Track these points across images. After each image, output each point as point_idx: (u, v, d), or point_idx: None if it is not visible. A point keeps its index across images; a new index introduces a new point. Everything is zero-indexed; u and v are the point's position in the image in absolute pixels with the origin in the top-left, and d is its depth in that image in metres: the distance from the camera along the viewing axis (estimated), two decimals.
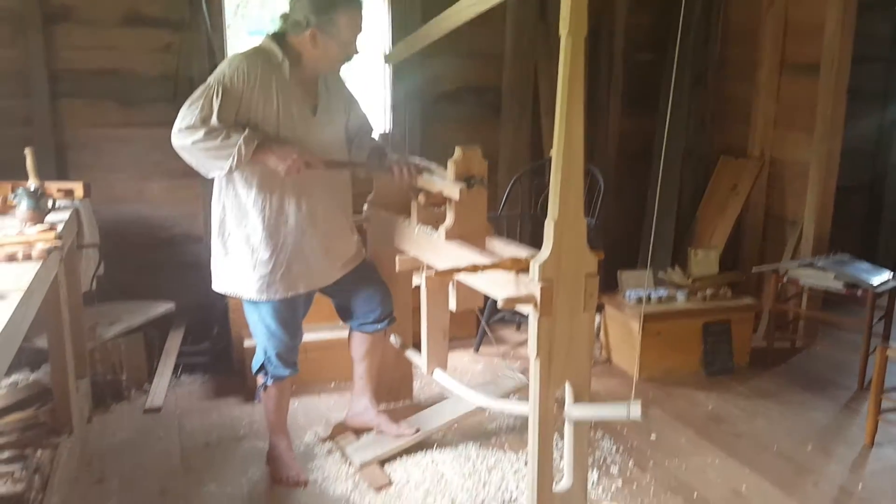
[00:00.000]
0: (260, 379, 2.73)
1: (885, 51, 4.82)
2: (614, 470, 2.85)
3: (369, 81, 4.23)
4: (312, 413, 3.29)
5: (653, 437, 3.11)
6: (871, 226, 5.09)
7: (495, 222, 3.85)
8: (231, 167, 2.35)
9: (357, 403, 3.01)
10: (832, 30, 3.88)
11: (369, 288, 2.83)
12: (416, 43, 3.40)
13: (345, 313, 2.89)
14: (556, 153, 1.92)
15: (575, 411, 2.11)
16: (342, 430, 3.04)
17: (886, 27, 4.79)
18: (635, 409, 1.92)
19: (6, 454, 2.52)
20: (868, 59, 4.51)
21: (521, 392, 3.27)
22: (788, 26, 4.21)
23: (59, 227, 2.57)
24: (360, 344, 2.91)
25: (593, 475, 2.79)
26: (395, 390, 3.23)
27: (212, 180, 2.54)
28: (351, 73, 2.78)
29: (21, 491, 2.29)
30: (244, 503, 2.63)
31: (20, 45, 3.53)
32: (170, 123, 2.37)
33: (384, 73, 4.21)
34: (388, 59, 4.04)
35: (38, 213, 2.65)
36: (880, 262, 3.97)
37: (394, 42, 4.05)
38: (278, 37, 2.49)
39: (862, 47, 4.07)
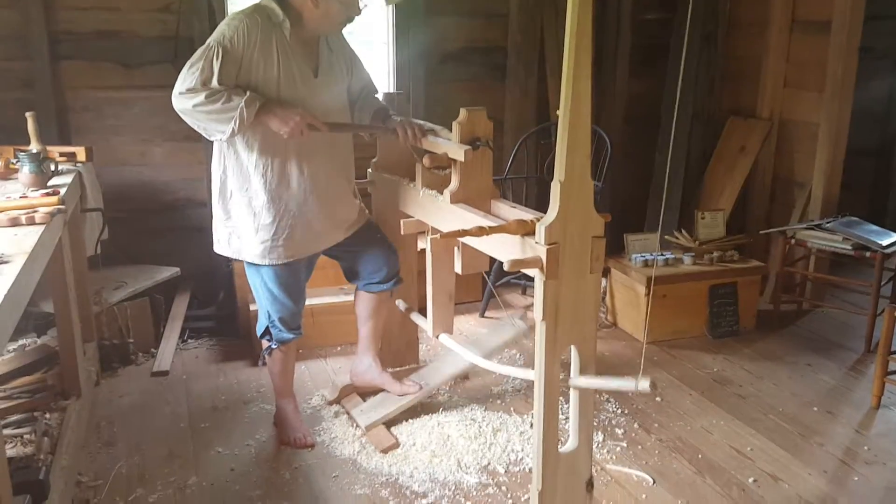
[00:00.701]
0: (265, 343, 2.74)
1: None
2: (619, 432, 2.87)
3: (373, 42, 4.17)
4: (319, 376, 3.31)
5: (658, 399, 3.12)
6: (880, 188, 5.04)
7: (501, 184, 3.82)
8: (233, 130, 2.32)
9: (361, 362, 3.02)
10: None
11: (375, 248, 2.81)
12: None
13: (351, 274, 2.88)
14: (562, 114, 1.88)
15: (581, 381, 2.10)
16: (349, 393, 3.06)
17: None
18: (644, 383, 1.90)
19: (15, 417, 2.54)
20: (880, 17, 4.42)
21: (519, 342, 3.26)
22: None
23: (62, 191, 2.56)
24: (365, 303, 2.90)
25: (598, 437, 2.80)
26: (400, 354, 3.23)
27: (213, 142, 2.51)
28: (354, 33, 2.72)
29: (31, 453, 2.31)
30: (252, 465, 2.65)
31: (19, 7, 3.48)
32: (171, 85, 2.33)
33: (388, 33, 4.15)
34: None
35: (41, 177, 2.64)
36: (889, 226, 3.94)
37: None
38: None
39: (875, 4, 3.99)
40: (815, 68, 4.03)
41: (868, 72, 4.29)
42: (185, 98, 2.30)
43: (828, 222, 3.77)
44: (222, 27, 2.38)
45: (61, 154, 3.00)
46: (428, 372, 3.09)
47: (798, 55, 4.19)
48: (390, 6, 4.02)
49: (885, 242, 3.55)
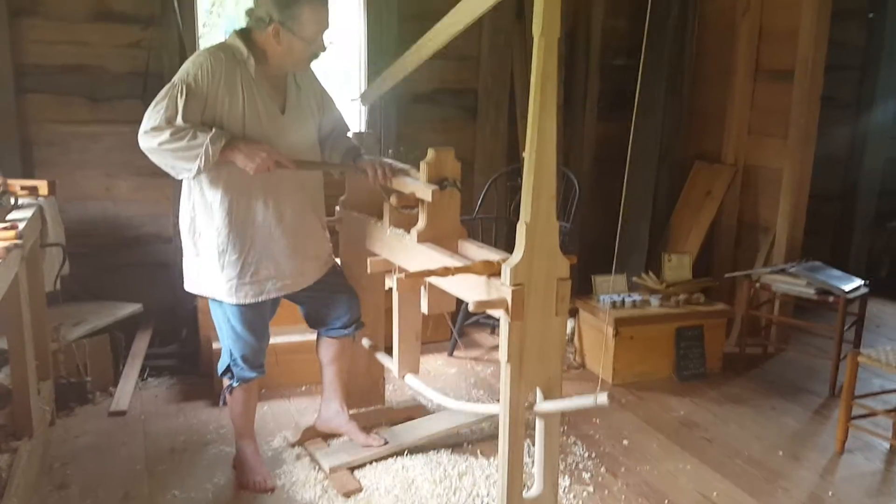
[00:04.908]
0: (226, 381, 2.68)
1: (858, 59, 4.87)
2: (586, 476, 2.83)
3: (345, 80, 4.19)
4: (282, 417, 3.24)
5: (625, 442, 3.10)
6: (844, 233, 5.13)
7: (470, 225, 3.83)
8: (200, 167, 2.30)
9: (326, 409, 2.96)
10: (806, 37, 3.91)
11: (337, 295, 2.79)
12: (392, 78, 3.31)
13: (313, 320, 2.84)
14: (528, 155, 1.89)
15: (544, 406, 2.09)
16: (312, 435, 2.99)
17: (860, 36, 4.84)
18: (602, 397, 1.90)
19: None
20: (841, 67, 4.55)
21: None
22: (763, 33, 4.24)
23: (21, 226, 2.50)
24: (327, 349, 2.86)
25: (565, 481, 2.76)
26: (366, 394, 3.18)
27: (181, 179, 2.48)
28: (329, 74, 2.73)
29: None
30: None
31: None
32: (139, 121, 2.32)
33: (360, 73, 4.17)
34: (363, 99, 3.99)
35: (0, 210, 2.58)
36: (852, 270, 4.01)
37: (368, 59, 4.03)
38: (244, 33, 2.44)
39: (835, 56, 4.11)
40: (779, 115, 4.12)
41: (830, 119, 4.40)
42: (150, 137, 2.29)
43: (792, 267, 3.82)
44: (186, 65, 2.37)
45: (23, 187, 2.93)
46: (398, 431, 3.02)
47: (762, 103, 4.28)
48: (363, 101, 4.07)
49: (847, 287, 3.60)
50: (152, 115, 2.29)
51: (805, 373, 3.87)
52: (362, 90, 4.06)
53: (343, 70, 4.19)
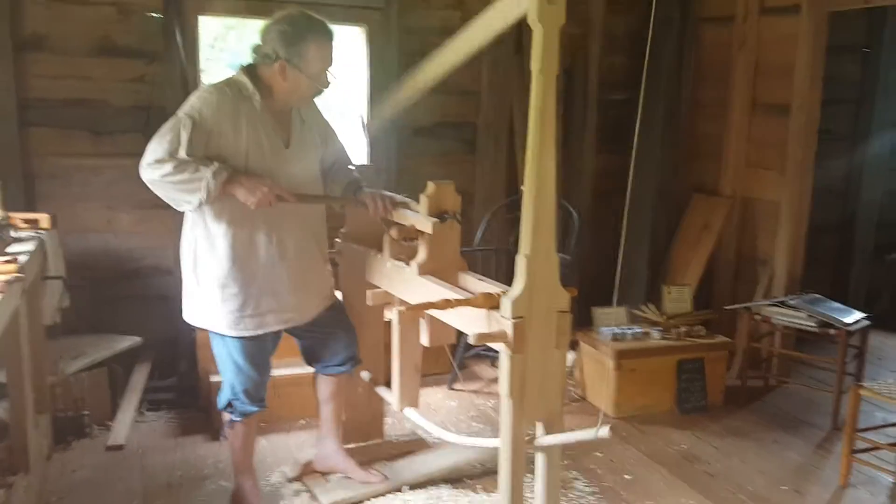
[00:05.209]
0: (226, 415, 2.66)
1: (854, 93, 4.92)
2: None
3: (346, 113, 4.22)
4: (280, 451, 3.21)
5: (627, 477, 3.07)
6: (842, 266, 5.14)
7: (470, 257, 3.83)
8: (201, 200, 2.31)
9: (324, 447, 2.94)
10: (802, 72, 3.96)
11: (336, 331, 2.78)
12: (394, 107, 3.37)
13: (310, 356, 2.83)
14: (527, 188, 1.91)
15: (545, 440, 2.07)
16: (311, 471, 2.97)
17: (855, 70, 4.90)
18: (603, 430, 1.88)
19: None
20: (837, 101, 4.60)
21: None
22: (759, 67, 4.28)
23: (22, 259, 2.51)
24: (325, 386, 2.85)
25: None
26: (365, 429, 3.16)
27: (182, 212, 2.49)
28: (329, 106, 2.76)
29: None
30: None
31: None
32: (141, 154, 2.33)
33: (363, 105, 4.21)
34: (367, 129, 4.04)
35: (1, 244, 2.59)
36: (851, 302, 4.00)
37: (371, 92, 4.08)
38: (250, 69, 2.47)
39: (831, 89, 4.15)
40: (776, 148, 4.15)
41: (827, 152, 4.43)
42: (152, 169, 2.30)
43: (792, 299, 3.81)
44: (192, 99, 2.40)
45: (24, 221, 2.96)
46: (400, 466, 3.00)
47: (759, 136, 4.32)
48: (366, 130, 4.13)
49: (848, 320, 3.59)
50: (156, 148, 2.30)
51: (807, 406, 3.84)
52: (365, 120, 4.11)
53: (344, 101, 4.23)
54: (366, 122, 4.06)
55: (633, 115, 4.55)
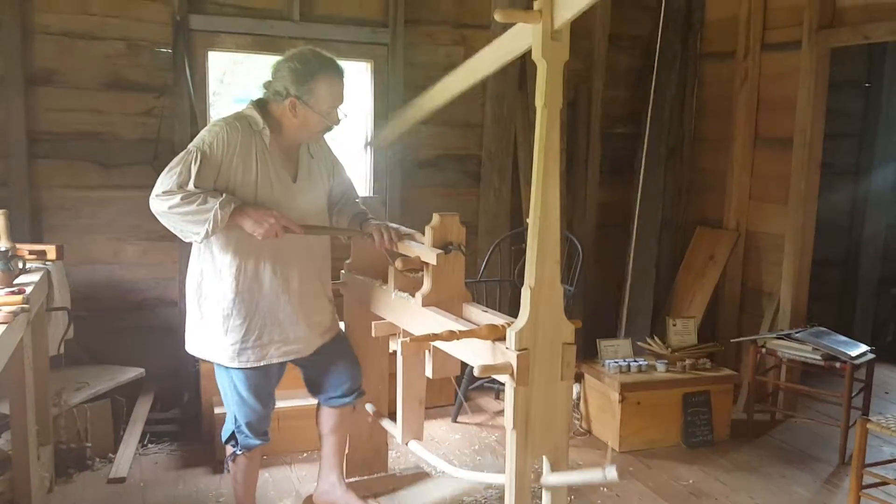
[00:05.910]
0: (229, 448, 2.65)
1: (856, 127, 4.96)
2: None
3: (352, 147, 4.26)
4: (283, 484, 3.18)
5: None
6: (847, 299, 5.13)
7: (475, 288, 3.83)
8: (208, 231, 2.33)
9: (324, 481, 2.91)
10: (804, 107, 3.98)
11: (340, 362, 2.78)
12: (399, 127, 3.41)
13: (313, 387, 2.82)
14: (532, 221, 1.92)
15: (551, 479, 2.05)
16: None
17: (857, 104, 4.94)
18: (611, 472, 1.86)
19: None
20: (840, 135, 4.63)
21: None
22: (761, 101, 4.32)
23: (28, 290, 2.52)
24: (328, 418, 2.84)
25: None
26: (369, 461, 3.14)
27: (189, 244, 2.51)
28: (335, 138, 2.79)
29: None
30: None
31: (0, 106, 3.53)
32: (149, 186, 2.37)
33: (368, 138, 4.25)
34: (372, 144, 4.10)
35: (8, 275, 2.60)
36: (856, 336, 3.98)
37: (376, 123, 4.13)
38: (261, 104, 2.51)
39: (834, 123, 4.18)
40: (779, 181, 4.17)
41: (830, 185, 4.45)
42: (161, 200, 2.32)
43: (797, 332, 3.80)
44: (203, 133, 2.43)
45: (31, 252, 2.97)
46: (403, 499, 2.97)
47: (762, 169, 4.34)
48: (370, 147, 4.18)
49: (854, 353, 3.57)
50: (165, 180, 2.33)
51: (814, 440, 3.81)
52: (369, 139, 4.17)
53: (349, 132, 4.27)
54: (369, 140, 4.10)
55: (636, 148, 4.63)
